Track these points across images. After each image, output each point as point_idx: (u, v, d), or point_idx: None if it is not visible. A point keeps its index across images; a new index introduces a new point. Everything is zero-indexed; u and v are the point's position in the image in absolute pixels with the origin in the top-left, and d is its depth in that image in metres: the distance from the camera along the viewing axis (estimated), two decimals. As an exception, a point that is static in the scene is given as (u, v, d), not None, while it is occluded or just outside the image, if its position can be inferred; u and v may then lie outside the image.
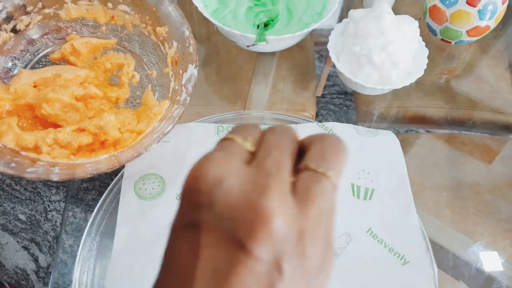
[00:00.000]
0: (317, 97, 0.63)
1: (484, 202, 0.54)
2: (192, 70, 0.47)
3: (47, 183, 0.88)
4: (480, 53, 0.66)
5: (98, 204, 0.45)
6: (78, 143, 0.42)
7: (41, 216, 0.88)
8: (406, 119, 0.62)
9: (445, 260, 0.47)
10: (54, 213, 0.76)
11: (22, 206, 0.82)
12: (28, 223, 0.81)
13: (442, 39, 0.60)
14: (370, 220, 0.44)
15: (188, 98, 0.45)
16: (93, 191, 0.51)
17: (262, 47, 0.53)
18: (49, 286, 0.45)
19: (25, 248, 0.79)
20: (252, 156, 0.19)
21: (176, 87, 0.48)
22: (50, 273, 0.41)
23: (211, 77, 0.60)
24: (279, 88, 0.59)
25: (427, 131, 0.62)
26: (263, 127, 0.22)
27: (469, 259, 0.47)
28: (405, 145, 0.57)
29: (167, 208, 0.44)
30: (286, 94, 0.59)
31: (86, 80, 0.50)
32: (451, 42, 0.60)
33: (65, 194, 0.88)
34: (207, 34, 0.65)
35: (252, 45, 0.50)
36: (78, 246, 0.43)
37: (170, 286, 0.17)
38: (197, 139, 0.49)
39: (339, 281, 0.41)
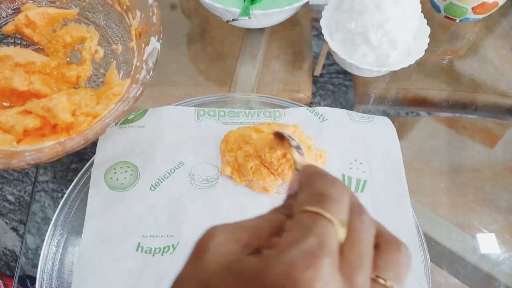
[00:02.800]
0: (315, 76, 0.60)
1: (484, 189, 0.53)
2: (154, 43, 0.42)
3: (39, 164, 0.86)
4: (486, 32, 0.62)
5: (65, 196, 0.41)
6: (23, 127, 0.38)
7: (30, 197, 0.86)
8: (406, 102, 0.60)
9: (440, 255, 0.44)
10: (42, 193, 0.74)
11: (10, 187, 0.80)
12: (17, 204, 0.79)
13: (445, 16, 0.56)
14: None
15: (148, 76, 0.40)
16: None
17: (246, 22, 0.48)
18: (15, 279, 0.42)
19: (14, 229, 0.77)
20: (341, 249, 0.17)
21: (138, 64, 0.43)
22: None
23: (199, 56, 0.56)
24: (272, 68, 0.55)
25: (429, 114, 0.59)
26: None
27: (465, 254, 0.44)
28: (404, 129, 0.54)
29: (140, 199, 0.40)
30: (279, 74, 0.55)
31: (42, 70, 0.45)
32: (455, 20, 0.56)
33: (53, 175, 0.86)
34: (195, 8, 0.60)
35: (233, 20, 0.45)
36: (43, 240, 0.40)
37: None
38: (175, 124, 0.45)
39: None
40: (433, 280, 0.40)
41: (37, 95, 0.43)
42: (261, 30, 0.56)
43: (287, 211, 0.19)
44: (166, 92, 0.56)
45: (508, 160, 0.56)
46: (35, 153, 0.36)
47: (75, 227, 0.40)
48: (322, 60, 0.57)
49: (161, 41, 0.42)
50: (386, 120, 0.47)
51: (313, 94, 0.86)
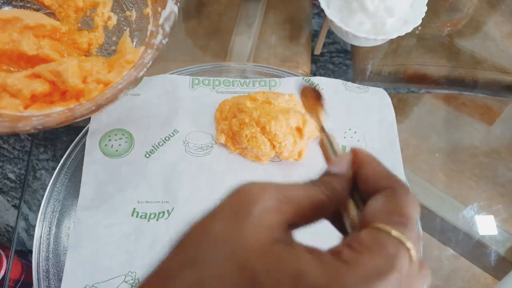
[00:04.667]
0: (315, 55, 0.59)
1: (481, 165, 0.53)
2: (172, 6, 0.41)
3: (35, 141, 0.86)
4: (488, 9, 0.61)
5: (60, 163, 0.41)
6: (30, 92, 0.37)
7: (30, 175, 0.87)
8: (406, 78, 0.59)
9: (433, 224, 0.44)
10: (43, 171, 0.74)
11: (11, 165, 0.80)
12: (18, 182, 0.80)
13: (445, -14, 0.55)
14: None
15: (164, 41, 0.39)
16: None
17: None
18: (12, 245, 0.43)
19: (15, 207, 0.78)
20: None
21: (153, 29, 0.42)
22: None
23: (196, 30, 0.55)
24: (269, 43, 0.54)
25: (428, 92, 0.59)
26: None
27: (458, 223, 0.44)
28: (403, 105, 0.54)
29: (135, 166, 0.40)
30: (277, 50, 0.55)
31: (52, 34, 0.43)
32: (455, -10, 0.55)
33: (53, 153, 0.86)
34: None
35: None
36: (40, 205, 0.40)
37: None
38: (170, 92, 0.45)
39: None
40: (425, 249, 0.41)
41: (46, 61, 0.42)
42: (257, 1, 0.55)
43: (327, 190, 0.18)
44: (164, 68, 0.55)
45: (506, 137, 0.56)
46: (42, 117, 0.35)
47: (71, 193, 0.41)
48: (322, 39, 0.56)
49: (178, 4, 0.41)
50: (381, 91, 0.47)
51: (313, 73, 0.85)
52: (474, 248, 0.44)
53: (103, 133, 0.42)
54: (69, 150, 0.43)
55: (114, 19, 0.47)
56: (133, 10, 0.47)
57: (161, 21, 0.41)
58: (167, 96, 0.44)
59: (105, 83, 0.41)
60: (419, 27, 0.57)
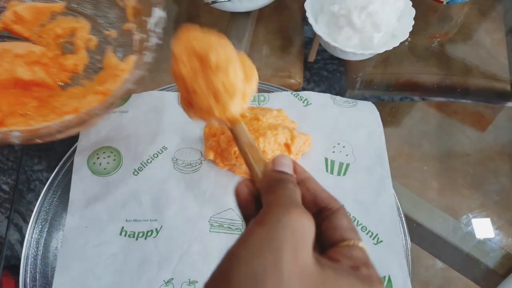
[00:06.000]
0: (309, 62, 0.59)
1: (473, 172, 0.53)
2: (159, 13, 0.42)
3: (29, 152, 0.85)
4: (479, 16, 0.61)
5: (48, 182, 0.41)
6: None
7: (24, 186, 0.86)
8: (398, 86, 0.60)
9: (421, 236, 0.44)
10: (37, 183, 0.74)
11: (4, 176, 0.80)
12: (12, 193, 0.79)
13: (433, -1, 0.55)
14: (343, 197, 0.41)
15: (160, 42, 0.41)
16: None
17: (229, 5, 0.48)
18: (1, 262, 0.43)
19: (9, 218, 0.77)
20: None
21: (142, 36, 0.43)
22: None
23: None
24: (261, 54, 0.54)
25: (422, 99, 0.59)
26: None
27: (447, 236, 0.45)
28: (395, 114, 0.55)
29: (123, 184, 0.40)
30: (269, 60, 0.55)
31: (41, 60, 0.45)
32: (442, 2, 0.55)
33: (47, 163, 0.86)
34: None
35: (213, 2, 0.45)
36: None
37: None
38: (158, 109, 0.45)
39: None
40: (414, 261, 0.41)
41: (41, 85, 0.44)
42: (247, 14, 0.55)
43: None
44: (156, 78, 0.55)
45: (498, 144, 0.56)
46: (62, 123, 0.37)
47: (59, 213, 0.41)
48: (316, 46, 0.57)
49: (166, 10, 0.42)
50: (369, 105, 0.47)
51: (307, 81, 0.85)
52: (463, 261, 0.44)
53: (91, 151, 0.42)
54: (57, 168, 0.43)
55: (95, 40, 0.48)
56: (112, 29, 0.48)
57: (150, 26, 0.43)
58: (155, 112, 0.44)
59: (103, 93, 0.42)
60: (409, 39, 0.57)
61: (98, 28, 0.49)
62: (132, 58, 0.43)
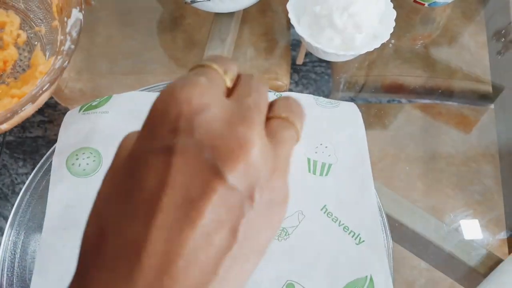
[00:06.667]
0: (297, 65, 0.59)
1: (458, 173, 0.54)
2: (76, 15, 0.42)
3: (14, 155, 0.84)
4: (463, 19, 0.62)
5: (26, 184, 0.41)
6: None
7: (8, 190, 0.85)
8: (383, 88, 0.60)
9: (403, 235, 0.45)
10: (21, 186, 0.73)
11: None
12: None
13: (414, 1, 0.56)
14: (326, 197, 0.41)
15: (73, 46, 0.41)
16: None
17: (211, 5, 0.47)
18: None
19: (-6, 223, 0.76)
20: (229, 92, 0.19)
21: (61, 37, 0.43)
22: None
23: (175, 43, 0.55)
24: (247, 56, 0.54)
25: (409, 101, 0.60)
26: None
27: (429, 235, 0.45)
28: (380, 115, 0.55)
29: (103, 185, 0.40)
30: (255, 62, 0.55)
31: None
32: (424, 4, 0.56)
33: (32, 167, 0.84)
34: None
35: (192, 2, 0.45)
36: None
37: (127, 214, 0.16)
38: (139, 109, 0.44)
39: (289, 260, 0.38)
40: (398, 262, 0.41)
41: None
42: (231, 15, 0.55)
43: None
44: (142, 80, 0.55)
45: (483, 146, 0.57)
46: None
47: (38, 215, 0.40)
48: (304, 49, 0.57)
49: (83, 11, 0.42)
50: (352, 106, 0.47)
51: (296, 83, 0.85)
52: (446, 260, 0.45)
53: (70, 152, 0.41)
54: (36, 169, 0.42)
55: (23, 36, 0.48)
56: (42, 25, 0.48)
57: (68, 29, 0.43)
58: (137, 113, 0.44)
59: (19, 96, 0.42)
60: (393, 40, 0.58)
61: (29, 22, 0.49)
62: (52, 59, 0.43)
